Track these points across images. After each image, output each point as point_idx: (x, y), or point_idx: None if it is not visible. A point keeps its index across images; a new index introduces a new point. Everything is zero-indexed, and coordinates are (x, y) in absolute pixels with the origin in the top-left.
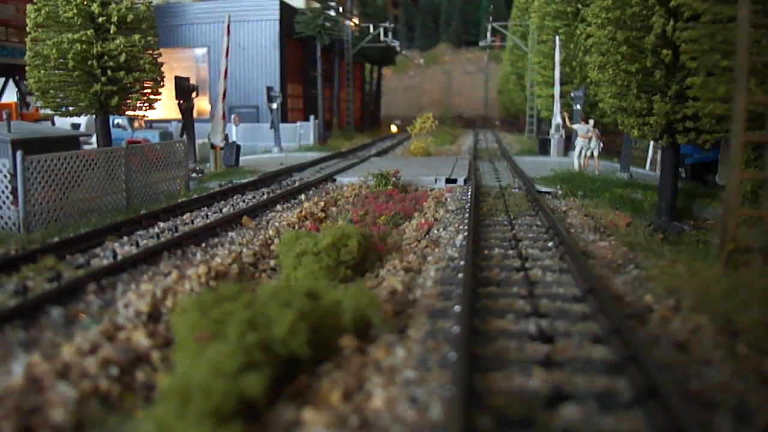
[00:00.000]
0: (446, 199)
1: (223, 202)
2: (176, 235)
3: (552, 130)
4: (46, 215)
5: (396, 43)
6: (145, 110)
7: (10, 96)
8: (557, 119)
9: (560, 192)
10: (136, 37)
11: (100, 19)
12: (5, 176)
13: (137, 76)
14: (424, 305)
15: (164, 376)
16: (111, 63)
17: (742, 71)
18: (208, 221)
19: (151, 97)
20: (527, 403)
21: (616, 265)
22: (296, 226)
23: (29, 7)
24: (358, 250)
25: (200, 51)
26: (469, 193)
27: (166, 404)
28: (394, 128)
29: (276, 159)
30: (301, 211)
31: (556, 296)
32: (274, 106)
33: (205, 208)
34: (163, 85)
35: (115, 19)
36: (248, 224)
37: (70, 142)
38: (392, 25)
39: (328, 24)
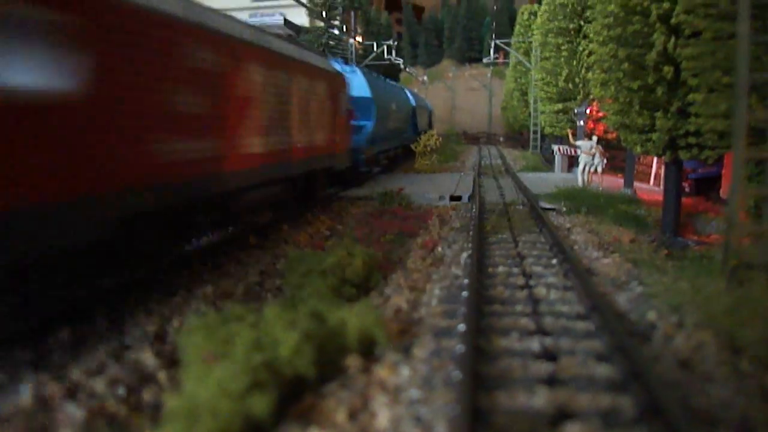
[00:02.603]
0: (451, 216)
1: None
2: (182, 254)
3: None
4: None
5: (400, 61)
6: None
7: None
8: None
9: (564, 208)
10: None
11: None
12: None
13: None
14: (428, 324)
15: (171, 396)
16: None
17: (742, 88)
18: (214, 240)
19: None
20: (531, 421)
21: (620, 282)
22: (301, 245)
23: None
24: (362, 268)
25: None
26: (474, 211)
27: (173, 424)
28: None
29: None
30: (306, 230)
31: (560, 314)
32: None
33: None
34: None
35: None
36: (254, 243)
37: None
38: (396, 43)
39: (332, 42)
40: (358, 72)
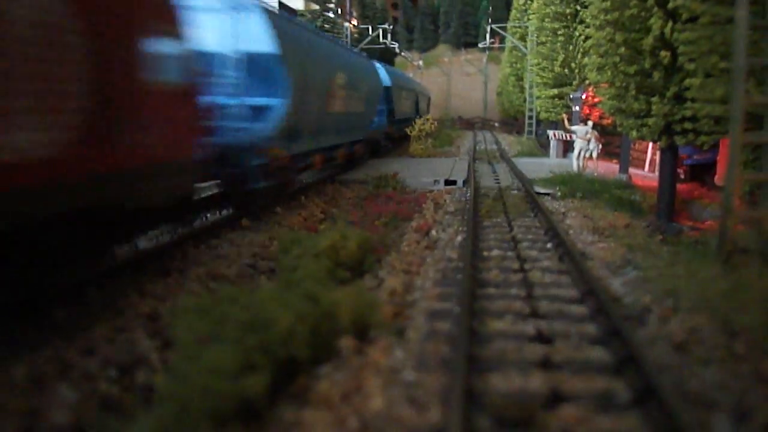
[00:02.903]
0: (445, 200)
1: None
2: (175, 236)
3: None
4: None
5: (395, 45)
6: None
7: None
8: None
9: (559, 193)
10: None
11: None
12: None
13: None
14: (423, 306)
15: (164, 378)
16: None
17: (740, 73)
18: (207, 222)
19: None
20: (526, 404)
21: (615, 267)
22: (295, 228)
23: None
24: (357, 251)
25: None
26: (468, 195)
27: (166, 406)
28: None
29: None
30: (300, 213)
31: (555, 297)
32: None
33: (204, 209)
34: None
35: None
36: (247, 225)
37: None
38: (391, 27)
39: (327, 25)
40: (257, 11)
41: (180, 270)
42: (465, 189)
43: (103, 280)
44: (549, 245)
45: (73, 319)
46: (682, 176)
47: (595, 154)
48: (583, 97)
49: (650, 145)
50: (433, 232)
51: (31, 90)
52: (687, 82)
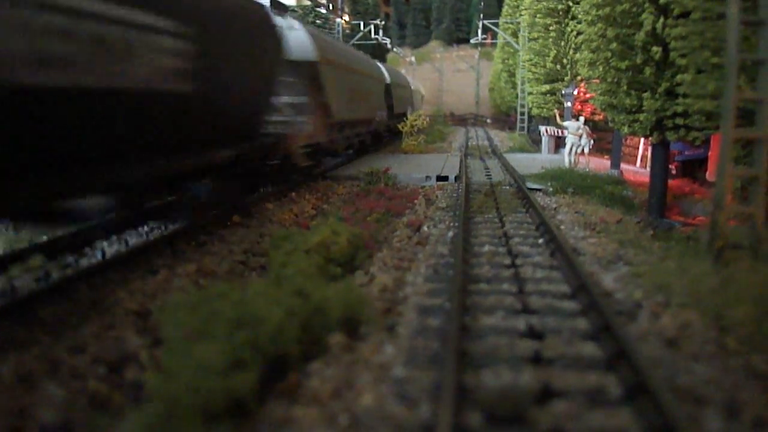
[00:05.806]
0: (437, 196)
1: None
2: (165, 232)
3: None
4: None
5: (387, 41)
6: None
7: None
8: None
9: (551, 189)
10: None
11: None
12: None
13: None
14: (414, 302)
15: (153, 375)
16: None
17: (731, 68)
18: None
19: None
20: (517, 400)
21: (606, 262)
22: (286, 224)
23: None
24: (348, 247)
25: None
26: (460, 191)
27: (155, 403)
28: None
29: None
30: (291, 209)
31: (546, 293)
32: None
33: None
34: None
35: None
36: (238, 222)
37: None
38: (383, 23)
39: (318, 21)
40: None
41: (169, 267)
42: (457, 185)
43: (92, 277)
44: (540, 240)
45: (61, 316)
46: (674, 172)
47: (586, 150)
48: (575, 92)
49: (642, 140)
50: (425, 228)
51: None
52: (679, 77)
